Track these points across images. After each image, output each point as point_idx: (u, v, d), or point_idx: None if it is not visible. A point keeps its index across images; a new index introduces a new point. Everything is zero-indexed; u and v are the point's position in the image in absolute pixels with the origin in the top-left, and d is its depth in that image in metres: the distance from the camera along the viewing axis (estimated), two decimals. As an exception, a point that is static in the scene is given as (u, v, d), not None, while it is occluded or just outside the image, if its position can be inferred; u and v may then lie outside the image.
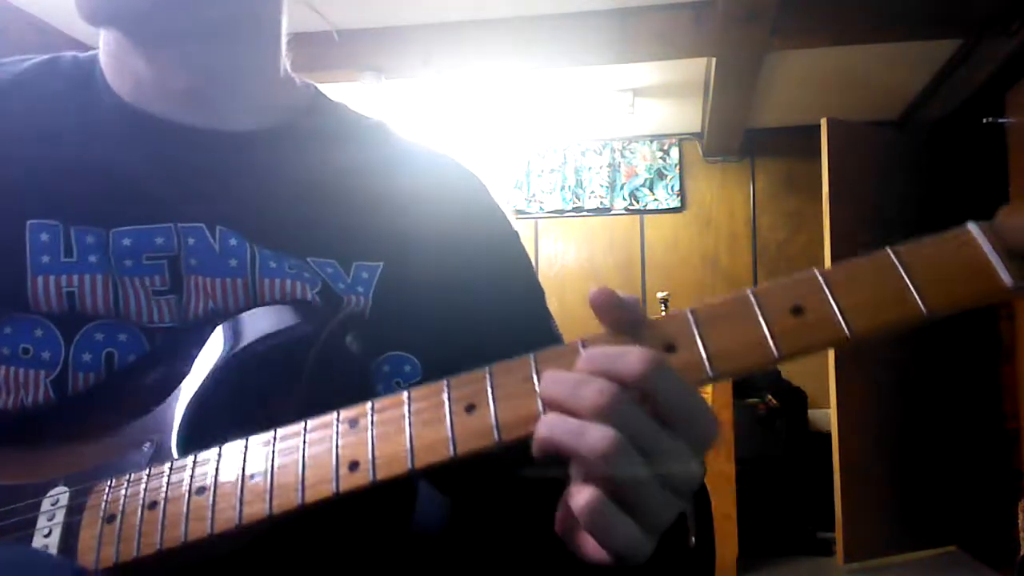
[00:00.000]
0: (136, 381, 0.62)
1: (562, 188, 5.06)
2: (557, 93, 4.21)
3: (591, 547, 0.45)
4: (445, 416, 0.47)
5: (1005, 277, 0.44)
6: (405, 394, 0.49)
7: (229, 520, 0.49)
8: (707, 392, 3.57)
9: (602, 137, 5.00)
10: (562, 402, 0.44)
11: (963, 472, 3.79)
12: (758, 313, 0.46)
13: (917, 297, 0.45)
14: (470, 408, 0.47)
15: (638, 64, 3.71)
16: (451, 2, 3.30)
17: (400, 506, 0.72)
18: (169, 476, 0.52)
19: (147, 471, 0.53)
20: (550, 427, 0.43)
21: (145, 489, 0.52)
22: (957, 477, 3.78)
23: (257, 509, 0.49)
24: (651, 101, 4.36)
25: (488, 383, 0.47)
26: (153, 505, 0.51)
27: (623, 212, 5.01)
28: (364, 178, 0.72)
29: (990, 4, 3.13)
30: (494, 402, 0.47)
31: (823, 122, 3.68)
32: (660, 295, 3.89)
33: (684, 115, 4.62)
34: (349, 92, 3.85)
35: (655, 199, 4.97)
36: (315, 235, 0.68)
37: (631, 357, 0.43)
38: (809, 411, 4.19)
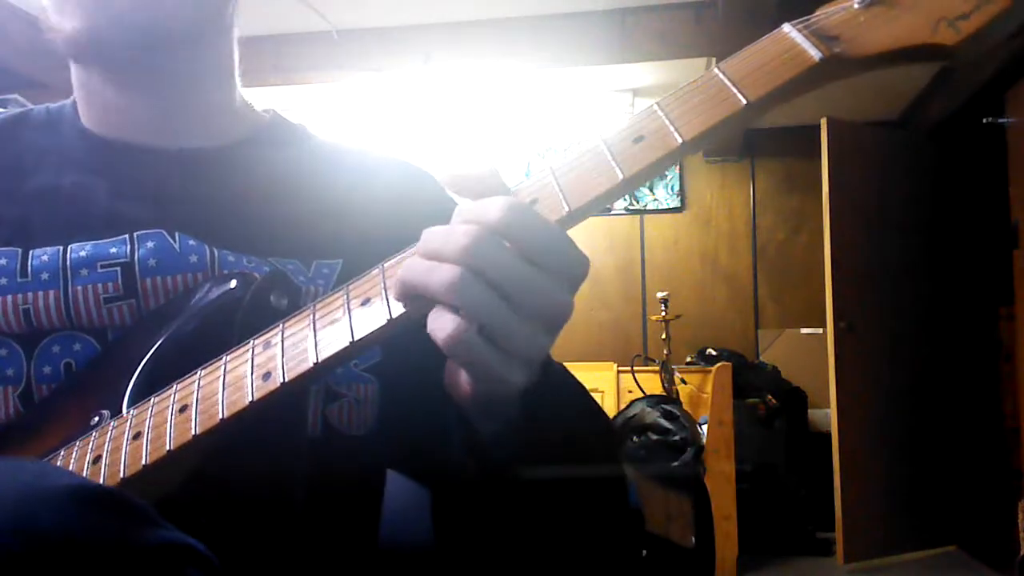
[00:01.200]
0: (92, 378, 0.65)
1: (562, 188, 5.06)
2: (557, 93, 4.21)
3: (462, 381, 0.49)
4: (344, 314, 0.53)
5: (814, 53, 0.49)
6: (311, 306, 0.55)
7: (160, 449, 0.53)
8: (706, 392, 3.57)
9: (602, 137, 4.99)
10: (433, 251, 0.48)
11: (963, 472, 3.79)
12: (606, 151, 0.51)
13: (736, 91, 0.50)
14: (366, 302, 0.52)
15: (638, 64, 3.71)
16: (451, 2, 3.30)
17: (367, 512, 0.74)
18: (111, 432, 0.57)
19: (92, 434, 0.58)
20: (405, 269, 0.49)
21: (91, 449, 0.57)
22: (957, 477, 3.78)
23: (184, 431, 0.53)
24: (651, 101, 4.33)
25: (381, 277, 0.53)
26: (97, 460, 0.56)
27: (623, 212, 5.01)
28: (321, 186, 0.76)
29: None
30: (386, 291, 0.52)
31: (823, 122, 3.67)
32: (660, 295, 3.89)
33: (684, 115, 4.62)
34: (349, 92, 3.85)
35: (655, 199, 4.97)
36: (275, 239, 0.72)
37: (491, 203, 0.48)
38: (809, 411, 4.19)
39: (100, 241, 0.68)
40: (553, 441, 0.55)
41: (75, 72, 0.75)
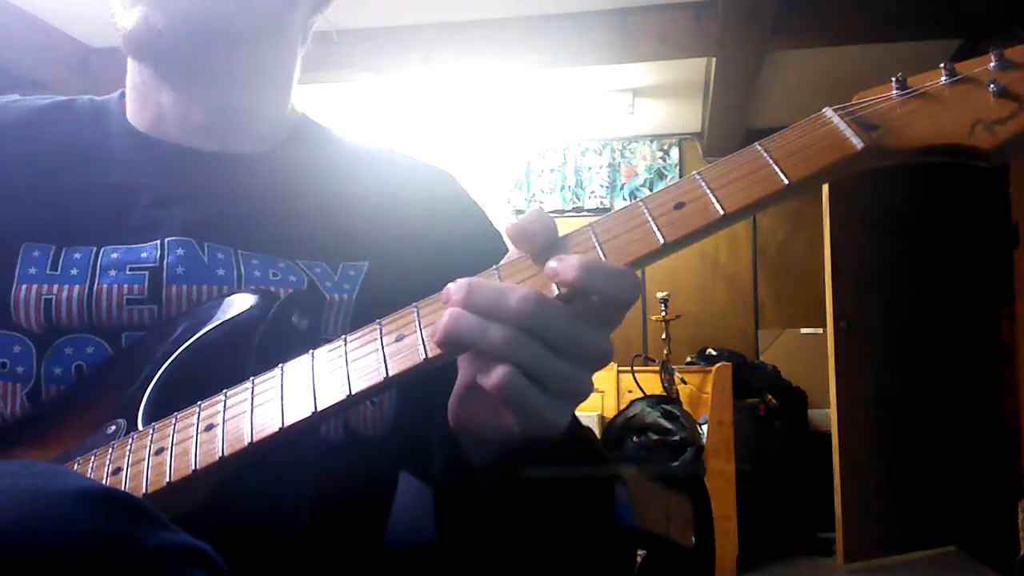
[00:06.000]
0: (104, 381, 0.65)
1: (562, 188, 5.06)
2: (557, 93, 4.21)
3: (505, 422, 0.50)
4: (378, 348, 0.53)
5: (857, 142, 0.50)
6: (343, 338, 0.54)
7: (185, 467, 0.53)
8: (706, 392, 3.57)
9: (602, 137, 5.00)
10: (484, 310, 0.49)
11: (963, 472, 3.79)
12: (647, 215, 0.52)
13: (779, 171, 0.50)
14: (400, 338, 0.53)
15: (638, 64, 3.71)
16: (451, 2, 3.30)
17: (378, 512, 0.75)
18: (131, 444, 0.56)
19: (111, 445, 0.57)
20: (454, 322, 0.49)
21: (110, 460, 0.56)
22: (957, 477, 3.77)
23: (210, 450, 0.53)
24: (651, 101, 4.35)
25: (416, 315, 0.53)
26: (117, 471, 0.55)
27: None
28: (349, 189, 0.77)
29: (990, 4, 3.14)
30: (420, 329, 0.52)
31: (823, 122, 3.66)
32: (660, 295, 3.89)
33: (684, 115, 4.62)
34: (349, 92, 3.85)
35: (655, 199, 4.97)
36: (305, 241, 0.72)
37: (513, 296, 0.49)
38: (809, 411, 4.19)
39: (132, 245, 0.69)
40: (542, 475, 0.56)
41: (131, 70, 0.77)
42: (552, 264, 0.49)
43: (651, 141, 5.00)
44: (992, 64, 0.52)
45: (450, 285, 0.50)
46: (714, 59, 3.56)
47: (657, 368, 3.68)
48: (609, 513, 0.64)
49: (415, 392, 0.70)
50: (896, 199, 3.81)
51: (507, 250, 0.82)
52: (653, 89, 4.18)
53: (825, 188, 3.67)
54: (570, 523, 0.61)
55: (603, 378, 3.64)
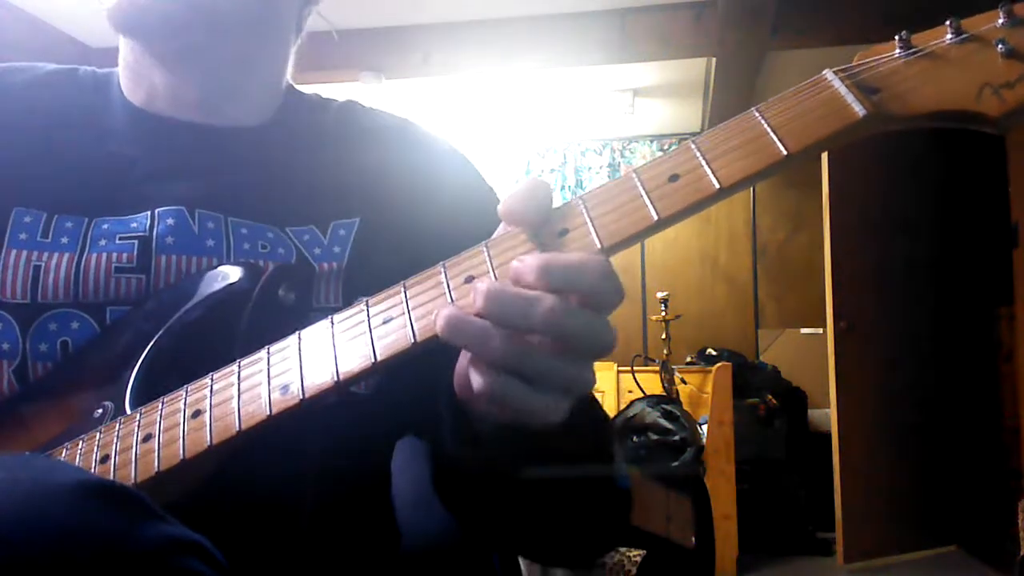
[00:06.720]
0: (91, 360, 0.65)
1: (562, 188, 5.06)
2: (557, 93, 4.21)
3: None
4: (366, 331, 0.51)
5: (858, 109, 0.47)
6: (329, 319, 0.53)
7: (174, 456, 0.52)
8: (706, 392, 3.57)
9: (602, 137, 5.00)
10: (509, 322, 0.46)
11: (963, 472, 3.79)
12: (640, 189, 0.49)
13: (776, 140, 0.47)
14: (388, 320, 0.51)
15: (638, 64, 3.71)
16: (451, 2, 3.30)
17: (379, 475, 0.75)
18: (119, 430, 0.56)
19: (99, 431, 0.57)
20: (461, 327, 0.47)
21: (98, 446, 0.56)
22: (957, 477, 3.78)
23: (199, 438, 0.52)
24: (651, 101, 4.35)
25: (403, 296, 0.51)
26: (105, 459, 0.55)
27: (623, 212, 5.01)
28: (340, 151, 0.77)
29: (990, 4, 3.14)
30: (409, 311, 0.50)
31: (823, 122, 3.66)
32: (660, 295, 3.89)
33: (684, 115, 4.62)
34: (349, 92, 3.85)
35: (655, 199, 4.97)
36: (294, 206, 0.72)
37: (546, 266, 0.47)
38: (809, 411, 4.19)
39: (123, 217, 0.69)
40: (551, 446, 0.54)
41: (122, 48, 0.77)
42: (515, 265, 0.47)
43: (651, 141, 5.00)
44: (1001, 21, 0.48)
45: (477, 284, 0.47)
46: (714, 59, 3.56)
47: (657, 368, 3.68)
48: (607, 483, 0.63)
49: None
50: (896, 199, 3.81)
51: (495, 194, 0.82)
52: (653, 89, 4.18)
53: (825, 188, 3.68)
54: (570, 493, 0.60)
55: (603, 378, 3.65)
